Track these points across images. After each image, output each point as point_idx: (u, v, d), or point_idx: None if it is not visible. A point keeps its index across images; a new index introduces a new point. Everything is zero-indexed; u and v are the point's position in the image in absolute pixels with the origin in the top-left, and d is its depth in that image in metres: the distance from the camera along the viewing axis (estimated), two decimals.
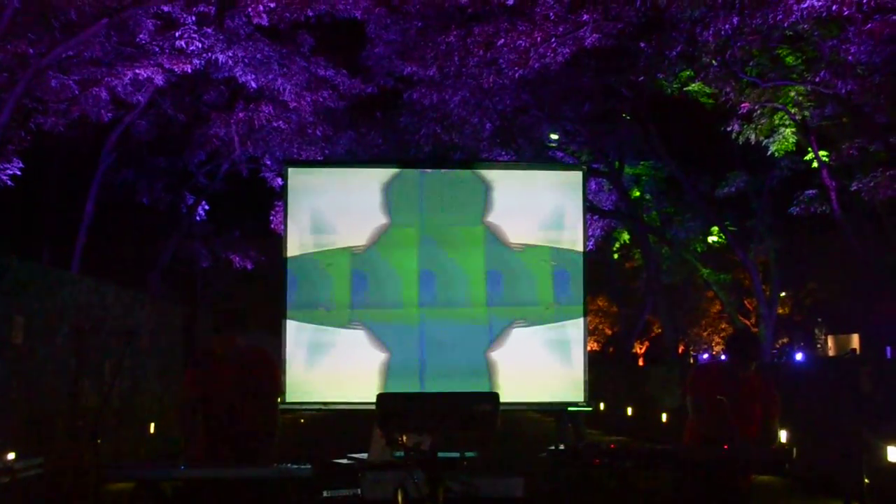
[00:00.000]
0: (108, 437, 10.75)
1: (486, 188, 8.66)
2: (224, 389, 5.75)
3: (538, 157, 21.73)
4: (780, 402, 6.16)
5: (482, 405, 4.46)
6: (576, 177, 8.93)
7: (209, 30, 15.49)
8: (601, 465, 5.46)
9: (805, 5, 12.56)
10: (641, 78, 17.01)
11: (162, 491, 5.27)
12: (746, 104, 16.25)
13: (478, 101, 19.39)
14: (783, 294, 28.86)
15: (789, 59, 16.22)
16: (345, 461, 7.70)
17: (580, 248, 8.62)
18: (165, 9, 14.76)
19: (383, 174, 8.75)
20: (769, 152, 18.35)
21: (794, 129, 17.73)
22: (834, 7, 12.47)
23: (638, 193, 25.57)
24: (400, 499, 5.13)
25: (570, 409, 9.46)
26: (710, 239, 25.14)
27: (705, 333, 38.08)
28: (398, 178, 8.61)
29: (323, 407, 8.60)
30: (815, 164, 18.25)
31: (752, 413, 5.99)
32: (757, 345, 6.54)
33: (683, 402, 6.36)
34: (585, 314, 8.65)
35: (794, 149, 18.57)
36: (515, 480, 7.13)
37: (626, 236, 27.33)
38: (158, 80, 15.79)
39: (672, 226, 24.89)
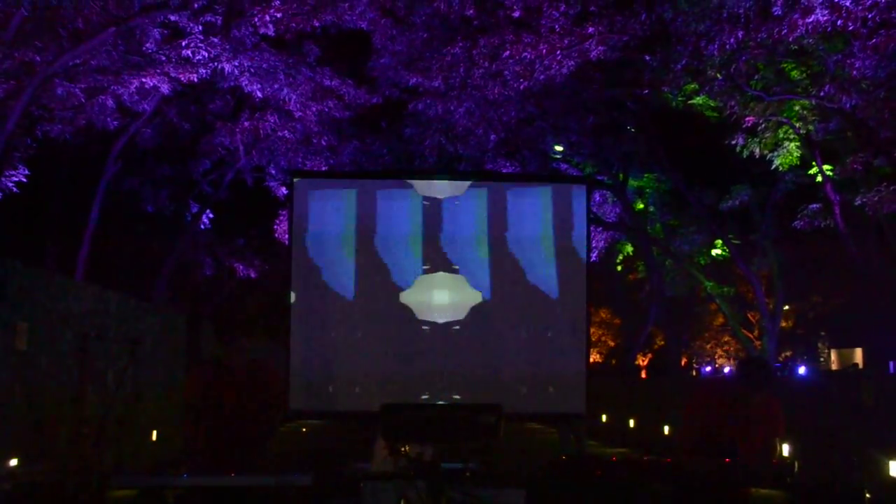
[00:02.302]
0: (111, 444, 10.76)
1: (491, 199, 8.68)
2: (227, 398, 5.78)
3: (542, 169, 21.77)
4: (785, 424, 6.17)
5: (484, 416, 4.48)
6: (580, 189, 8.96)
7: (216, 39, 15.52)
8: (603, 476, 5.47)
9: (810, 20, 12.59)
10: (646, 91, 17.05)
11: (164, 498, 5.29)
12: (751, 118, 16.27)
13: (483, 112, 19.42)
14: (786, 307, 28.83)
15: (794, 74, 16.24)
16: (346, 470, 7.71)
17: (583, 259, 8.64)
18: (172, 18, 14.81)
19: (388, 184, 8.78)
20: (773, 166, 18.35)
21: (798, 143, 17.74)
22: (839, 22, 12.50)
23: (642, 206, 25.59)
24: None
25: (571, 420, 9.46)
26: (714, 252, 25.14)
27: (708, 346, 38.11)
28: (403, 190, 8.64)
29: (327, 416, 8.62)
30: (819, 179, 18.26)
31: (756, 434, 5.99)
32: (765, 372, 6.43)
33: (682, 418, 6.37)
34: (588, 326, 8.66)
35: (798, 163, 18.57)
36: (517, 492, 7.14)
37: (629, 248, 27.35)
38: (164, 88, 15.82)
39: (676, 238, 24.91)
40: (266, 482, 5.19)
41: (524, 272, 8.57)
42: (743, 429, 5.88)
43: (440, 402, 7.95)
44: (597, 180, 22.62)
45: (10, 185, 15.69)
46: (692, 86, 17.13)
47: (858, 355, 29.12)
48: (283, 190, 21.05)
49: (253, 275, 26.18)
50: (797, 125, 16.77)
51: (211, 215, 22.77)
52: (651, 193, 25.24)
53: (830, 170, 17.73)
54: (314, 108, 18.73)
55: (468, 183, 8.84)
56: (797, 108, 16.48)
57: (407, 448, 4.51)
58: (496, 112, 19.63)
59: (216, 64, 15.88)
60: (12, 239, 19.56)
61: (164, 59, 15.38)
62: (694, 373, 36.62)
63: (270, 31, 15.58)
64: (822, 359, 35.39)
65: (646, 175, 24.50)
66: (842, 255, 20.32)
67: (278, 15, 15.05)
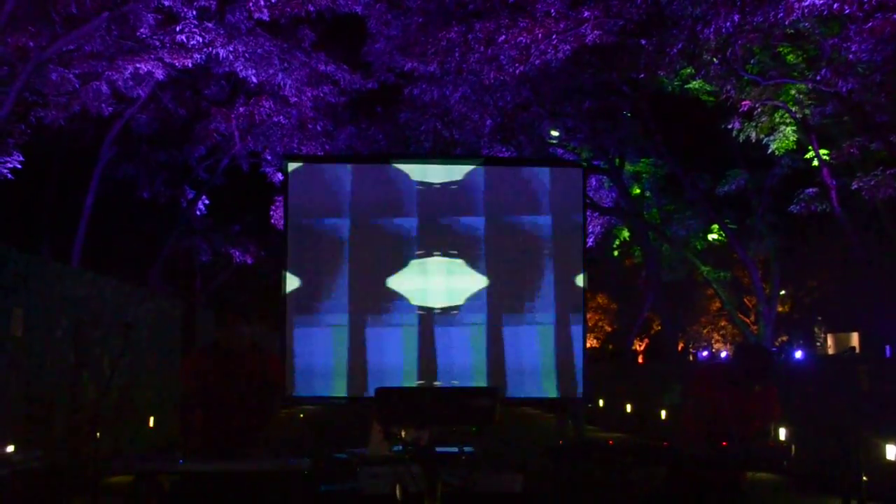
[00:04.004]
0: (107, 430, 10.74)
1: (487, 185, 8.66)
2: (225, 383, 5.76)
3: (539, 154, 21.72)
4: (781, 409, 6.16)
5: (481, 400, 4.46)
6: (576, 174, 8.94)
7: (210, 24, 15.47)
8: (600, 461, 5.47)
9: (806, 3, 12.54)
10: (642, 75, 16.99)
11: (160, 484, 5.27)
12: (747, 102, 16.23)
13: (478, 97, 19.39)
14: (783, 292, 28.87)
15: (790, 58, 16.21)
16: (343, 455, 7.70)
17: (580, 244, 8.63)
18: (166, 3, 14.75)
19: (383, 170, 8.75)
20: (770, 150, 18.34)
21: (794, 128, 17.72)
22: (835, 5, 12.45)
23: (638, 191, 25.56)
24: (398, 493, 5.14)
25: (568, 405, 9.46)
26: (710, 236, 25.13)
27: (705, 331, 38.15)
28: (399, 174, 8.62)
29: (323, 401, 8.61)
30: (815, 163, 18.24)
31: (753, 417, 5.98)
32: (768, 363, 6.25)
33: (685, 401, 6.35)
34: (585, 311, 8.65)
35: (794, 147, 18.56)
36: (514, 476, 7.14)
37: (626, 233, 27.32)
38: (159, 74, 15.77)
39: (672, 223, 24.89)
40: (263, 467, 5.17)
41: (520, 257, 8.56)
42: (741, 415, 5.87)
43: (435, 386, 7.94)
44: (593, 165, 22.58)
45: (5, 171, 15.63)
46: (688, 70, 17.11)
47: (855, 339, 29.12)
48: (279, 176, 20.97)
49: (249, 261, 26.17)
50: (793, 109, 16.75)
51: (207, 201, 22.76)
52: (647, 178, 25.21)
53: (827, 154, 17.71)
54: (309, 94, 18.69)
55: (463, 167, 8.81)
56: (793, 92, 16.45)
57: (403, 432, 4.49)
58: (492, 97, 19.61)
59: (211, 49, 15.82)
60: (8, 225, 19.53)
61: (158, 44, 15.32)
62: (691, 357, 36.68)
63: (265, 16, 15.53)
64: (818, 343, 35.43)
65: (642, 160, 24.46)
66: (838, 239, 20.34)
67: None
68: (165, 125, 20.24)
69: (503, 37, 15.58)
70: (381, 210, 8.51)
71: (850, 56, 13.77)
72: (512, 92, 19.61)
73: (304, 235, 8.50)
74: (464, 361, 8.37)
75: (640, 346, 39.80)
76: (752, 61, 16.12)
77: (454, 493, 4.74)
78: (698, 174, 23.12)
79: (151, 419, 13.76)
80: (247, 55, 16.76)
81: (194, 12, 15.17)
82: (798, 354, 22.64)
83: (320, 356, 8.35)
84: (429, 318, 8.42)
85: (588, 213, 20.42)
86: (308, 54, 18.35)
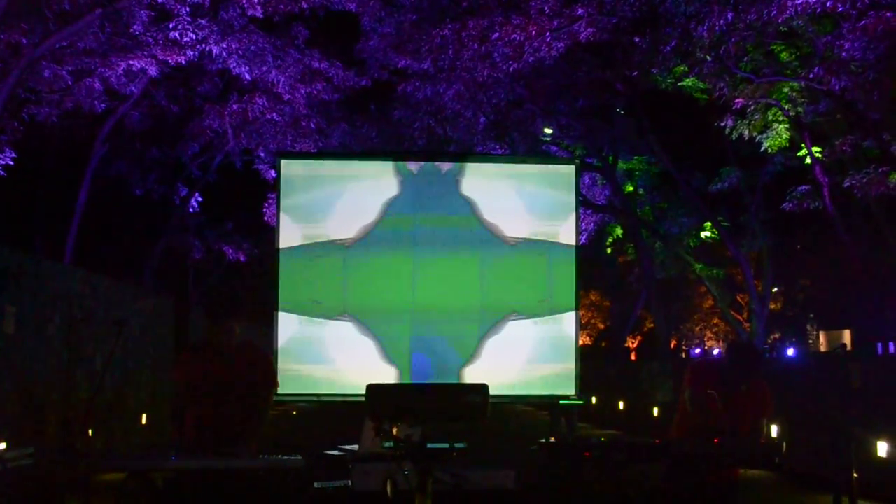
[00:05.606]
0: (100, 427, 10.75)
1: (480, 182, 8.65)
2: (217, 379, 5.75)
3: (532, 151, 21.71)
4: (773, 405, 6.19)
5: (472, 396, 4.46)
6: (569, 171, 8.93)
7: (203, 21, 15.43)
8: (592, 457, 5.47)
9: (799, 1, 12.56)
10: (636, 73, 17.00)
11: (152, 482, 5.27)
12: (740, 100, 16.26)
13: (472, 94, 19.36)
14: (775, 290, 28.90)
15: (783, 55, 16.24)
16: (335, 452, 7.71)
17: (573, 242, 8.62)
18: (159, 0, 14.72)
19: (376, 167, 8.74)
20: (762, 148, 18.37)
21: (787, 125, 17.75)
22: (828, 3, 12.48)
23: (631, 188, 25.58)
24: (389, 490, 5.14)
25: (561, 402, 9.47)
26: (703, 234, 25.17)
27: (698, 328, 38.21)
28: (392, 172, 8.60)
29: (314, 399, 8.60)
30: (808, 161, 18.28)
31: (745, 414, 6.01)
32: (756, 360, 6.39)
33: (681, 396, 6.36)
34: (578, 308, 8.65)
35: (787, 145, 18.59)
36: (507, 473, 7.15)
37: (619, 231, 27.34)
38: (152, 71, 15.74)
39: (665, 221, 24.93)
40: (256, 464, 5.17)
41: (513, 254, 8.54)
42: (732, 412, 5.89)
43: (427, 382, 7.93)
44: (586, 162, 22.58)
45: None
46: (681, 68, 17.12)
47: (847, 337, 29.21)
48: (273, 173, 20.84)
49: (242, 258, 26.15)
50: (786, 107, 16.78)
51: (199, 199, 22.72)
52: (640, 176, 25.24)
53: (819, 152, 17.75)
54: (303, 91, 18.66)
55: (456, 164, 8.80)
56: (786, 89, 16.49)
57: (394, 429, 4.49)
58: (485, 94, 19.59)
59: (204, 46, 15.78)
60: (0, 223, 19.49)
61: (151, 41, 15.28)
62: (683, 355, 36.71)
63: (258, 13, 15.49)
64: (810, 340, 35.52)
65: (635, 157, 24.49)
66: (831, 237, 20.38)
67: None
68: (158, 122, 20.20)
69: (497, 34, 15.58)
70: (373, 206, 8.49)
71: (843, 54, 13.79)
72: (505, 89, 19.60)
73: (296, 233, 8.47)
74: (456, 358, 8.37)
75: (632, 343, 39.84)
76: (745, 59, 16.14)
77: (446, 489, 4.74)
78: (691, 172, 23.17)
79: (144, 416, 13.75)
80: (240, 52, 16.73)
81: (188, 9, 15.13)
82: (790, 352, 22.68)
83: (312, 353, 8.34)
84: (421, 315, 8.42)
85: (581, 211, 20.43)
86: (301, 51, 18.32)
